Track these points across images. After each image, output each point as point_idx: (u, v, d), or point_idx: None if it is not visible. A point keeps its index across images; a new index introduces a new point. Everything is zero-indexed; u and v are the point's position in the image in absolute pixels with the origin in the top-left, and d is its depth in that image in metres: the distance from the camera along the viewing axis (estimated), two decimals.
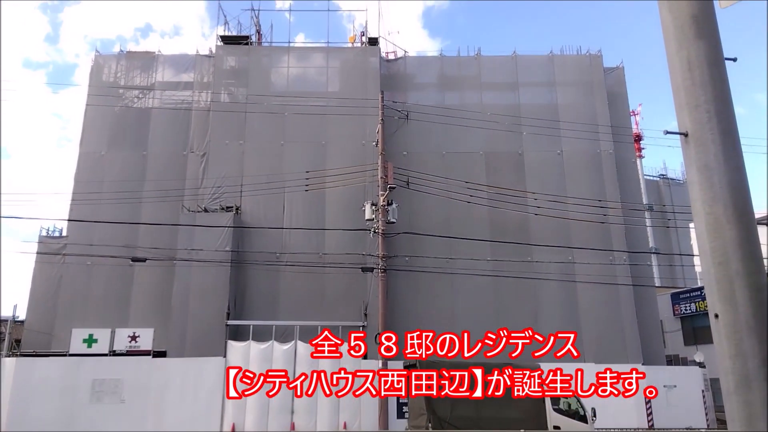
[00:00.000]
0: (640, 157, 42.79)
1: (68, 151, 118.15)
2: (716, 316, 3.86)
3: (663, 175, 45.47)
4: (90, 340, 19.14)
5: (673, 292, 28.76)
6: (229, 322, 20.33)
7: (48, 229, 22.44)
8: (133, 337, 19.40)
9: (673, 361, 23.46)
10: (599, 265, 21.64)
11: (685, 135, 4.33)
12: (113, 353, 19.20)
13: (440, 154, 23.73)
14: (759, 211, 23.45)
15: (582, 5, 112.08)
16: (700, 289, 26.13)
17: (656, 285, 27.16)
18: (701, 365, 21.29)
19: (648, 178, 42.87)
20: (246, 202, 22.56)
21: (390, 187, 20.23)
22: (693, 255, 26.57)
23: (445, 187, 21.67)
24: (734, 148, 4.23)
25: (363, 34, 26.14)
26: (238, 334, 20.56)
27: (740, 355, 3.77)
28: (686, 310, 27.52)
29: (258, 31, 26.31)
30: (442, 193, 21.63)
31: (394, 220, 20.10)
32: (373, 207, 20.18)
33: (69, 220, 22.05)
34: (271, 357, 19.36)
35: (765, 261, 4.43)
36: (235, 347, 19.66)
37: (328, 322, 20.41)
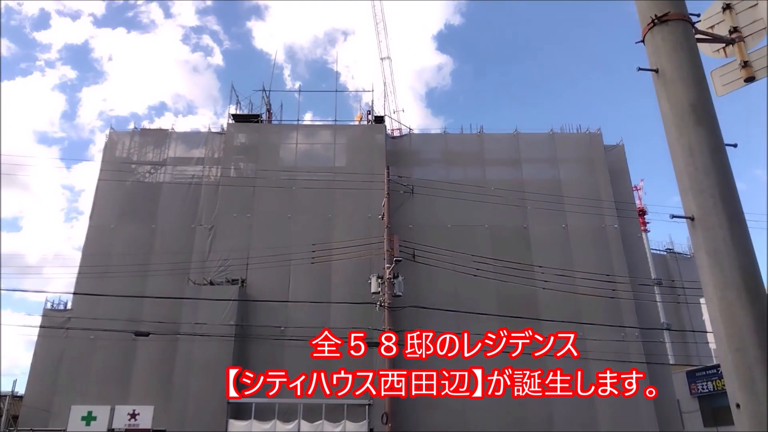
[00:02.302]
0: (645, 231, 42.83)
1: (78, 224, 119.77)
2: (738, 405, 3.74)
3: (670, 249, 45.27)
4: (89, 418, 18.59)
5: (689, 370, 27.81)
6: (231, 400, 19.72)
7: (53, 302, 22.36)
8: (133, 415, 18.83)
9: None
10: (611, 341, 21.14)
11: (692, 219, 4.39)
12: None
13: (445, 227, 23.87)
14: None
15: (577, 85, 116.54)
16: (717, 366, 25.31)
17: (670, 363, 26.38)
18: None
19: (654, 252, 42.69)
20: (252, 275, 22.52)
21: (396, 260, 20.22)
22: (706, 332, 25.97)
23: (451, 260, 21.64)
24: (742, 232, 4.27)
25: (369, 112, 27.09)
26: (240, 412, 19.90)
27: None
28: (704, 389, 26.49)
29: (268, 110, 27.31)
30: (449, 266, 21.57)
31: (400, 294, 19.94)
32: (379, 280, 20.09)
33: (74, 293, 21.99)
34: None
35: None
36: (236, 426, 18.98)
37: (334, 400, 19.83)
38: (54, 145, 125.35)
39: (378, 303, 19.84)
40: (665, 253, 45.06)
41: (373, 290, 19.92)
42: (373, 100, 27.29)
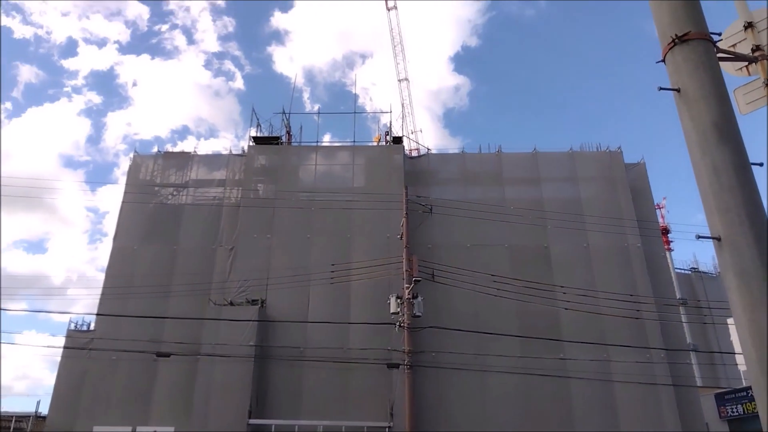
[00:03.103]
0: (669, 250, 42.07)
1: (102, 246, 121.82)
2: None
3: (694, 268, 44.37)
4: None
5: (717, 392, 26.99)
6: (251, 421, 19.68)
7: (77, 323, 22.66)
8: None
9: None
10: (636, 363, 20.70)
11: (718, 239, 4.33)
12: None
13: (465, 246, 23.76)
14: None
15: (596, 104, 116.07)
16: (747, 389, 24.52)
17: (698, 385, 25.66)
18: None
19: (679, 271, 41.88)
20: (271, 296, 22.60)
21: (415, 280, 20.12)
22: (735, 353, 25.22)
23: (470, 280, 21.48)
24: None
25: (387, 133, 27.28)
26: None
27: None
28: (733, 412, 25.64)
29: (288, 132, 27.66)
30: (468, 286, 21.41)
31: (420, 314, 19.79)
32: (398, 300, 19.99)
33: (97, 314, 22.27)
34: None
35: None
36: None
37: (353, 422, 19.67)
38: (79, 169, 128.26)
39: (397, 323, 19.72)
40: (690, 272, 44.18)
41: (392, 311, 19.83)
42: (391, 121, 27.62)
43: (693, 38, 5.03)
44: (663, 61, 5.30)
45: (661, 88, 5.09)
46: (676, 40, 5.05)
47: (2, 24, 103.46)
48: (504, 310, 21.84)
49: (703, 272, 43.95)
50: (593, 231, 23.20)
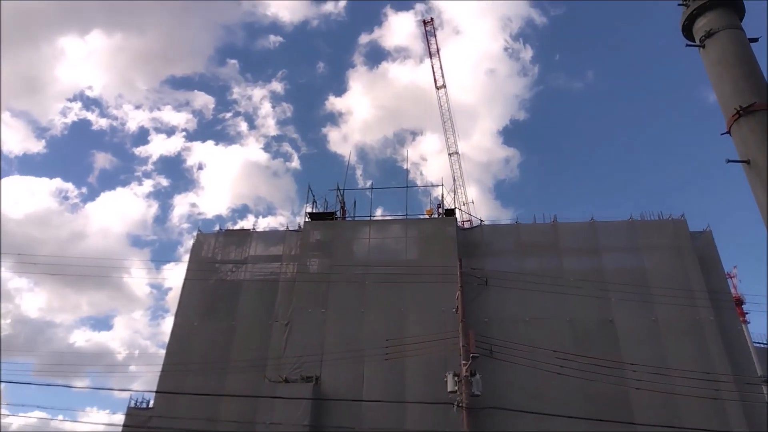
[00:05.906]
0: (745, 322, 39.23)
1: (164, 322, 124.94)
2: None
3: None
4: None
5: None
6: None
7: (136, 401, 22.91)
8: None
9: None
10: None
11: None
12: None
13: (523, 320, 22.98)
14: None
15: (651, 173, 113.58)
16: None
17: None
18: None
19: (758, 346, 38.69)
20: (326, 372, 22.30)
21: (473, 356, 19.43)
22: None
23: (531, 356, 20.56)
24: None
25: (439, 205, 27.48)
26: None
27: None
28: None
29: (342, 208, 28.32)
30: (529, 363, 20.47)
31: (479, 393, 18.94)
32: (456, 378, 19.27)
33: (156, 391, 22.49)
34: None
35: None
36: None
37: None
38: (146, 248, 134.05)
39: (455, 403, 18.90)
40: None
41: (449, 389, 19.08)
42: (442, 194, 27.73)
43: (759, 109, 4.96)
44: (728, 132, 5.21)
45: (729, 161, 4.98)
46: (741, 112, 4.98)
47: (81, 116, 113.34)
48: (568, 388, 20.64)
49: None
50: (661, 303, 22.04)
